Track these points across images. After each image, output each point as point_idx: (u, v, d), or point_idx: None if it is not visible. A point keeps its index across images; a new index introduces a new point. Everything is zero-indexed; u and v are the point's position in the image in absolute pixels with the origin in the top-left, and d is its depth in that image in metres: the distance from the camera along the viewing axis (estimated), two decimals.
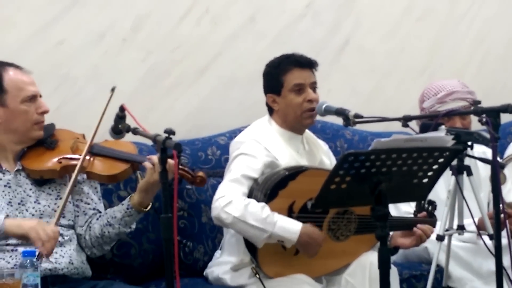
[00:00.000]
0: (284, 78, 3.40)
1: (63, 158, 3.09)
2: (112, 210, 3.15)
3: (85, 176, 3.14)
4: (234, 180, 3.23)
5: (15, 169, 3.09)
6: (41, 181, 3.09)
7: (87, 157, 3.07)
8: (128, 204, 3.12)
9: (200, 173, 3.14)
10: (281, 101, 3.42)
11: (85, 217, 3.18)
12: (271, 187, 3.19)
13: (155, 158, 3.01)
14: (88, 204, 3.19)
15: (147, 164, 3.04)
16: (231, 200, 3.15)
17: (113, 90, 3.02)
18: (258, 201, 3.17)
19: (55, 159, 3.10)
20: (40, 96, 3.13)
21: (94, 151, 3.12)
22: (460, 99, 3.95)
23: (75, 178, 2.99)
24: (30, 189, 3.08)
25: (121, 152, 3.14)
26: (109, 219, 3.13)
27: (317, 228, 3.20)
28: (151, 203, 3.14)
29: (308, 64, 3.44)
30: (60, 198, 3.05)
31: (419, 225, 3.38)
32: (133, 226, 3.20)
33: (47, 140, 3.15)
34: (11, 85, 3.06)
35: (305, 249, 3.20)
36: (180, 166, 3.07)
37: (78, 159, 3.03)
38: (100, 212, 3.21)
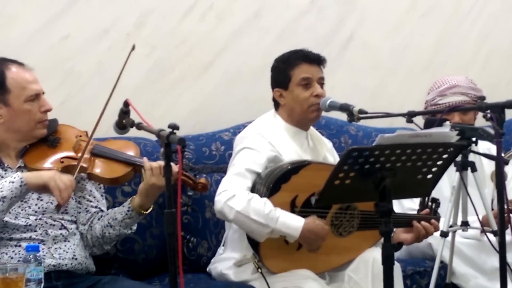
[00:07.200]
0: (292, 73, 3.40)
1: (65, 157, 3.06)
2: (113, 212, 3.14)
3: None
4: (237, 174, 3.22)
5: (17, 166, 3.07)
6: None
7: (88, 157, 3.05)
8: (129, 206, 3.11)
9: (202, 180, 3.14)
10: (288, 95, 3.42)
11: (87, 214, 3.17)
12: (273, 181, 3.19)
13: (154, 163, 3.02)
14: (91, 202, 3.18)
15: (145, 164, 3.03)
16: (234, 194, 3.14)
17: (133, 48, 2.95)
18: (261, 195, 3.17)
19: (57, 158, 3.08)
20: (43, 93, 3.09)
21: (96, 152, 3.10)
22: (460, 94, 3.95)
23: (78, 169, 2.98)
24: None
25: (123, 154, 3.12)
26: (110, 220, 3.12)
27: (321, 221, 3.18)
28: (152, 206, 3.13)
29: (317, 60, 3.44)
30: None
31: (422, 222, 3.37)
32: (134, 228, 3.19)
33: (50, 137, 3.12)
34: (14, 85, 3.01)
35: (308, 244, 3.19)
36: (183, 172, 3.08)
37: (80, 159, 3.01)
38: (102, 210, 3.20)
